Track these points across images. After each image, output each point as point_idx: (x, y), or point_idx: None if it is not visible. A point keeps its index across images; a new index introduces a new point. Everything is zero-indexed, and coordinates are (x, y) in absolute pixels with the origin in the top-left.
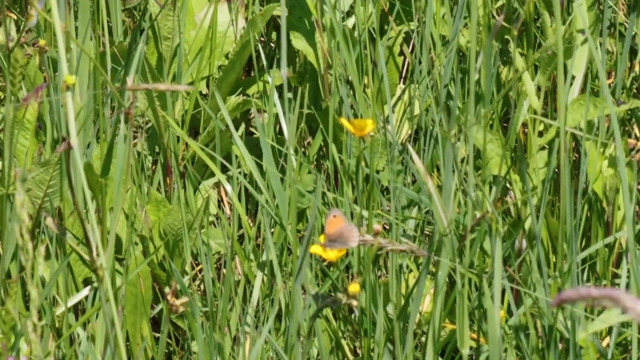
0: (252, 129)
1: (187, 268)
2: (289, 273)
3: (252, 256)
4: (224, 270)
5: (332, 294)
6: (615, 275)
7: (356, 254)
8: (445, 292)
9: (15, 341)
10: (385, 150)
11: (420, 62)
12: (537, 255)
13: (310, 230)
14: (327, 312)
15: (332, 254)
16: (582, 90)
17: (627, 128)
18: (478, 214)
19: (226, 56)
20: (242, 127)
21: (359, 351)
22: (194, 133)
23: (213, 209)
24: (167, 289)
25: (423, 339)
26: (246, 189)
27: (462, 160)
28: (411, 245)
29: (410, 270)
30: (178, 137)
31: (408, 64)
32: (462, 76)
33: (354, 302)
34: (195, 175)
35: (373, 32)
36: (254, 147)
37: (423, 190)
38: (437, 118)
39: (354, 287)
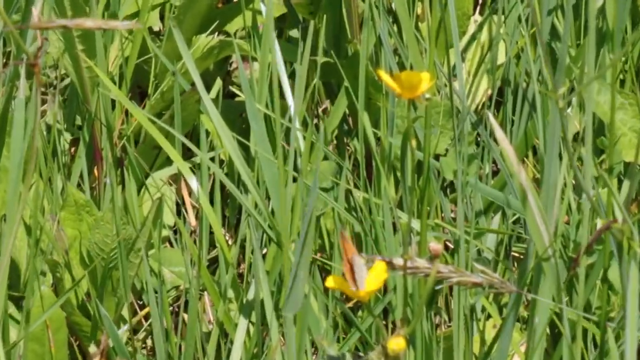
0: (234, 89)
1: (126, 313)
2: (291, 321)
3: (230, 293)
4: (185, 316)
5: (361, 355)
6: None
7: (400, 288)
8: (544, 351)
9: None
10: (449, 122)
11: None
12: None
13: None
14: None
15: (360, 292)
16: None
17: None
18: (600, 224)
19: None
20: (218, 85)
21: None
22: (139, 95)
23: (169, 218)
24: (92, 348)
25: None
26: (223, 186)
27: (575, 139)
28: (490, 275)
29: (489, 316)
30: (113, 102)
31: None
32: (576, 1)
33: None
34: (140, 164)
35: None
36: (237, 118)
37: (510, 187)
38: (534, 70)
39: (396, 344)
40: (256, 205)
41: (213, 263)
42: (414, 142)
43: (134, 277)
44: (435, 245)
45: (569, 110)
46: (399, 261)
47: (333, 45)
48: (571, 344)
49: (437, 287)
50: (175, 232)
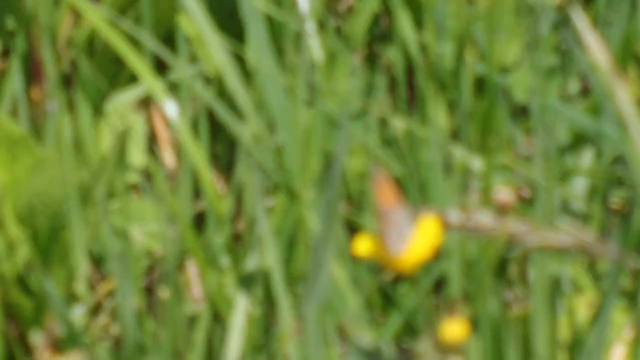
0: None
1: (81, 288)
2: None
3: (224, 261)
4: (162, 293)
5: (404, 346)
6: None
7: (457, 253)
8: None
9: None
10: (520, 22)
11: None
12: None
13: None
14: None
15: (402, 260)
16: None
17: None
18: None
19: None
20: None
21: None
22: None
23: (137, 158)
24: (35, 337)
25: None
26: (211, 114)
27: None
28: (581, 234)
29: (581, 291)
30: None
31: None
32: None
33: None
34: (96, 83)
35: None
36: (228, 19)
37: (606, 112)
38: None
39: (455, 330)
40: (257, 139)
41: (199, 219)
42: (472, 52)
43: (90, 240)
44: (505, 194)
45: None
46: (454, 216)
47: None
48: None
49: (509, 253)
50: (146, 177)
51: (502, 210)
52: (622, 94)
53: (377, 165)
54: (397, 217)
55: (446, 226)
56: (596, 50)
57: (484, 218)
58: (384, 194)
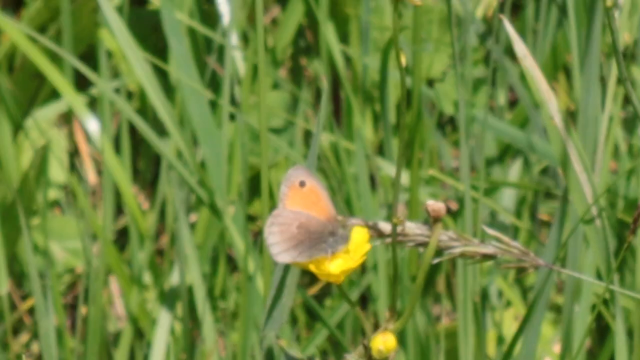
0: None
1: (2, 306)
2: (231, 313)
3: (147, 278)
4: (84, 310)
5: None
6: None
7: (382, 264)
8: (586, 351)
9: None
10: (447, 34)
11: None
12: None
13: None
14: None
15: (332, 266)
16: None
17: None
18: None
19: None
20: None
21: None
22: (13, 3)
23: (58, 174)
24: None
25: None
26: (133, 129)
27: (624, 54)
28: (508, 244)
29: (509, 303)
30: None
31: None
32: None
33: None
34: (17, 99)
35: None
36: (150, 34)
37: (534, 123)
38: None
39: (384, 342)
40: (180, 155)
41: (122, 235)
42: (402, 59)
43: (10, 257)
44: (435, 204)
45: (615, 11)
46: (384, 226)
47: None
48: (625, 339)
49: (435, 261)
50: (68, 193)
51: (434, 220)
52: (551, 104)
53: (299, 166)
54: (326, 227)
55: (377, 236)
56: (525, 60)
57: (412, 228)
58: (300, 197)
